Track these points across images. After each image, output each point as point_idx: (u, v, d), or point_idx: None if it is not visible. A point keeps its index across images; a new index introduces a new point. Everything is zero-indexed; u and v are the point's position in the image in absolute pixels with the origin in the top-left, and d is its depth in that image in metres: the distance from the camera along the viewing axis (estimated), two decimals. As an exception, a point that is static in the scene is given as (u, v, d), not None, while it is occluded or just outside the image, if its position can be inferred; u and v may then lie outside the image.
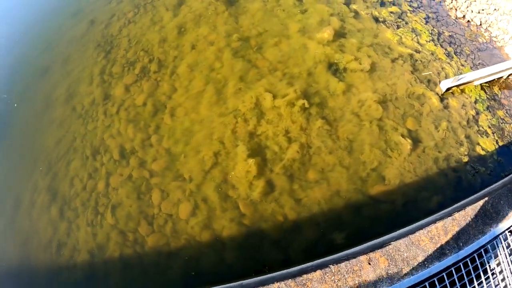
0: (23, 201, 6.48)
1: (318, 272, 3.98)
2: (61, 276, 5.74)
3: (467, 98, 6.76)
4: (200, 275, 5.27)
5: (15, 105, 7.13)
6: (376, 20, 7.34)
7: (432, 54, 7.37)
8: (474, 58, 7.56)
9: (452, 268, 3.88)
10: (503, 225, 4.19)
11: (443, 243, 4.18)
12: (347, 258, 4.17)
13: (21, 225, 6.34)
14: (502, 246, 4.07)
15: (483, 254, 4.07)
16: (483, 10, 8.03)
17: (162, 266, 5.45)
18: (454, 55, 7.34)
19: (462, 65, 7.23)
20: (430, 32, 7.75)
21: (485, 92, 6.99)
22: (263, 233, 5.42)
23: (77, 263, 5.74)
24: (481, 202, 4.54)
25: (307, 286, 3.81)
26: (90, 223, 5.83)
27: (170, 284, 5.36)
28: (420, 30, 7.67)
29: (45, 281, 5.79)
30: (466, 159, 5.94)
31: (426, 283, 3.78)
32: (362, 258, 4.10)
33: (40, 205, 6.29)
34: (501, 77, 6.92)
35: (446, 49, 7.33)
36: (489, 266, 4.02)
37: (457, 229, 4.31)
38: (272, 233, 5.42)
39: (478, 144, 6.19)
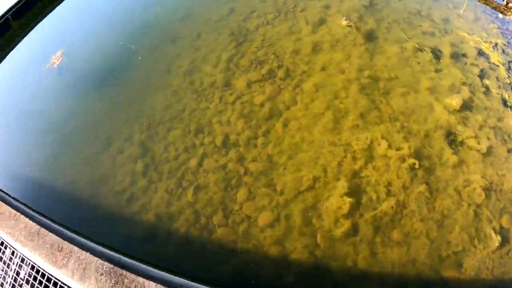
0: (113, 144, 6.81)
1: None
2: (120, 225, 5.96)
3: None
4: (255, 284, 5.30)
5: (139, 58, 7.55)
6: (504, 103, 7.03)
7: (548, 156, 6.94)
8: None
9: None
10: None
11: None
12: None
13: (103, 164, 6.65)
14: None
15: None
16: None
17: (219, 260, 5.51)
18: None
19: None
20: (552, 133, 7.31)
21: None
22: (329, 270, 5.36)
23: (141, 220, 5.91)
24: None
25: None
26: (169, 191, 6.00)
27: (217, 277, 5.41)
28: (544, 128, 7.26)
29: (104, 224, 6.03)
30: (546, 276, 5.59)
31: None
32: None
33: (128, 155, 6.57)
34: None
35: None
36: None
37: None
38: (338, 274, 5.35)
39: (562, 266, 5.78)
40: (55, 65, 8.12)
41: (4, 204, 6.37)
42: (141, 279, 4.23)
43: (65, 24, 9.67)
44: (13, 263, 5.69)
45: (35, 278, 5.12)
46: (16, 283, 5.33)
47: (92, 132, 7.16)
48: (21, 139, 7.64)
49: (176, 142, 6.36)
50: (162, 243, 5.67)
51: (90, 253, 4.81)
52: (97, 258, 4.69)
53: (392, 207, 5.57)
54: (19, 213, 6.05)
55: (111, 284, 4.36)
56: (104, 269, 4.53)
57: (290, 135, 5.96)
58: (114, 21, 8.94)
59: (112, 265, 4.51)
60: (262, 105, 6.37)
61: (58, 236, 5.36)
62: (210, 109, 6.51)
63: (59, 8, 10.12)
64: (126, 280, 4.32)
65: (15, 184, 6.86)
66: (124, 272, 4.38)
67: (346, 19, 7.37)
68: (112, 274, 4.45)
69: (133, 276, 4.31)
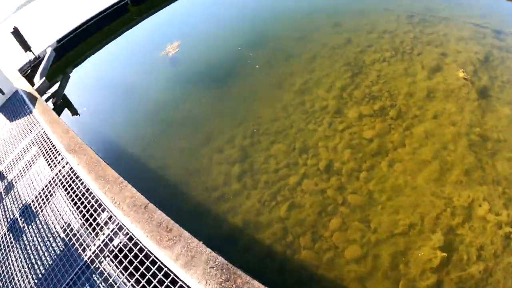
0: (213, 142, 7.19)
1: None
2: (206, 220, 6.29)
3: None
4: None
5: (257, 66, 7.91)
6: None
7: None
8: None
9: None
10: None
11: None
12: None
13: (200, 159, 7.01)
14: None
15: None
16: None
17: (299, 281, 5.61)
18: None
19: None
20: None
21: None
22: (401, 319, 5.50)
23: (227, 221, 6.20)
24: None
25: None
26: (262, 202, 6.26)
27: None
28: None
29: (190, 215, 6.38)
30: None
31: None
32: None
33: (226, 156, 6.93)
34: None
35: None
36: None
37: None
38: (409, 325, 5.47)
39: None
40: (170, 54, 8.60)
41: (109, 168, 6.63)
42: (256, 283, 4.15)
43: (184, 17, 10.15)
44: (108, 228, 5.87)
45: (130, 250, 5.29)
46: (106, 248, 5.56)
47: (194, 126, 7.58)
48: (127, 119, 8.19)
49: (278, 155, 6.66)
50: (244, 249, 5.93)
51: (203, 243, 4.74)
52: (210, 250, 4.62)
53: (480, 272, 5.63)
54: (126, 182, 6.25)
55: (221, 280, 4.32)
56: (216, 263, 4.47)
57: (394, 176, 6.13)
58: (234, 25, 9.33)
59: (226, 261, 4.42)
60: (370, 140, 6.57)
61: (169, 217, 5.32)
62: (318, 132, 6.76)
63: (179, 2, 10.65)
64: (239, 280, 4.24)
65: (116, 161, 7.37)
66: (239, 272, 4.29)
67: (463, 71, 7.39)
68: (224, 270, 4.36)
69: (248, 277, 4.22)
